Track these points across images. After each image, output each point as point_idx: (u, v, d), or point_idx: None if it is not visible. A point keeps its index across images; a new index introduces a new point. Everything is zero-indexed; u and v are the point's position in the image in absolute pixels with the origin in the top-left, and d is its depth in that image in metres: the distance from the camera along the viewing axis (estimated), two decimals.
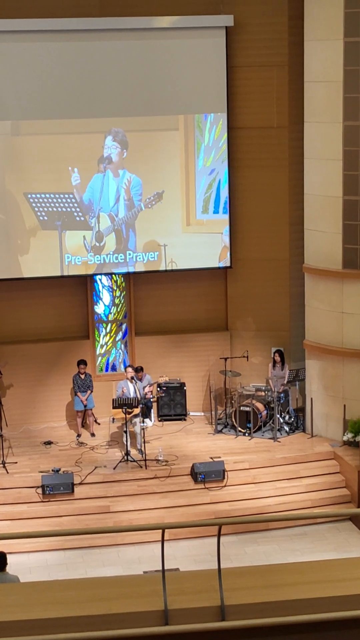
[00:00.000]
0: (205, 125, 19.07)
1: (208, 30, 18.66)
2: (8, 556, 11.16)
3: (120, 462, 17.55)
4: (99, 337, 20.08)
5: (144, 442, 17.81)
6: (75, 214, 18.87)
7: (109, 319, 20.09)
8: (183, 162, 19.15)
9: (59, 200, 18.78)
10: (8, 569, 11.10)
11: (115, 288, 20.04)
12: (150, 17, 18.48)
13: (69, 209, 18.83)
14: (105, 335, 20.12)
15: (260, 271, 19.72)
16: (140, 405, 18.06)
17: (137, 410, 17.91)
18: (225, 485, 17.13)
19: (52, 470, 17.10)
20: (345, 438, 18.07)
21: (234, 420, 18.91)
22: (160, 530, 8.48)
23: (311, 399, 18.75)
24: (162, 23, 18.54)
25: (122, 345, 20.18)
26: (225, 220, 19.46)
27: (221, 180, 19.31)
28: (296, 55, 18.46)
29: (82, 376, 18.98)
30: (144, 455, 17.62)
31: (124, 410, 17.64)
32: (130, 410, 17.74)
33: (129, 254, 19.18)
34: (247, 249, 19.65)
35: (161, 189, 19.04)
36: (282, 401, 19.00)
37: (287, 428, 18.95)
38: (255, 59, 18.89)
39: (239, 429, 18.81)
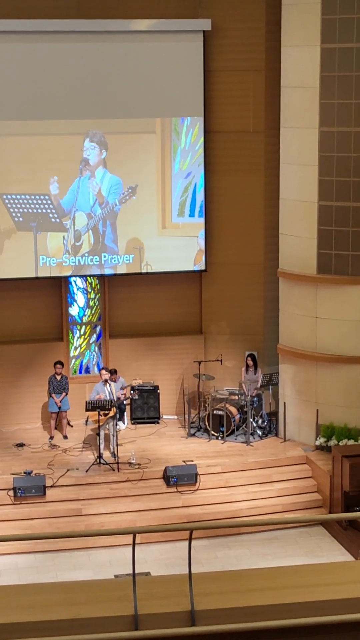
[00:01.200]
0: (182, 128, 19.08)
1: (186, 34, 18.67)
2: None
3: (92, 464, 17.51)
4: (73, 339, 20.02)
5: (117, 445, 17.77)
6: (51, 215, 18.82)
7: (83, 321, 20.05)
8: (159, 165, 19.14)
9: (35, 201, 18.72)
10: None
11: (90, 290, 20.00)
12: (129, 20, 18.47)
13: (44, 211, 18.77)
14: (80, 337, 20.07)
15: (235, 275, 19.74)
16: (114, 407, 18.01)
17: (112, 412, 17.88)
18: (197, 489, 17.13)
19: (24, 473, 17.03)
20: (317, 442, 18.11)
21: (207, 423, 18.91)
22: (132, 534, 8.46)
23: (284, 403, 18.78)
24: (140, 26, 18.53)
25: (96, 348, 20.14)
26: (201, 224, 19.47)
27: (197, 184, 19.32)
28: (273, 60, 18.50)
29: (58, 377, 18.92)
30: (116, 458, 17.58)
31: (99, 412, 17.60)
32: (105, 412, 17.70)
33: (104, 256, 19.15)
34: (222, 252, 19.67)
35: (135, 183, 19.00)
36: (255, 405, 19.03)
37: (260, 432, 18.97)
38: (233, 64, 18.92)
39: (212, 432, 18.81)
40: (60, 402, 18.87)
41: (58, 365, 18.94)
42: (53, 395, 18.89)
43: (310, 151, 17.73)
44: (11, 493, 16.64)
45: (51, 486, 16.86)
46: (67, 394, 18.94)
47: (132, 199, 19.06)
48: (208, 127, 19.15)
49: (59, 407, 18.88)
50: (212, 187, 19.45)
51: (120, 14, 18.51)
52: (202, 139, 19.12)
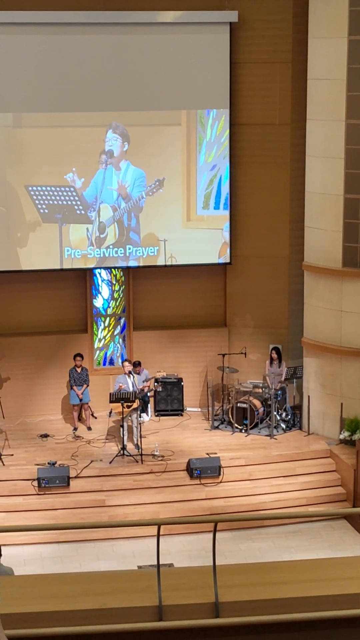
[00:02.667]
0: (208, 121, 19.05)
1: (212, 26, 18.63)
2: (2, 548, 11.16)
3: (116, 456, 17.55)
4: (97, 331, 20.07)
5: (141, 437, 17.81)
6: (76, 207, 18.85)
7: (108, 313, 20.08)
8: (185, 157, 19.13)
9: (60, 193, 18.76)
10: (2, 560, 11.10)
11: (114, 282, 20.03)
12: (155, 12, 18.45)
13: (69, 202, 18.81)
14: (104, 329, 20.11)
15: (260, 268, 19.71)
16: (138, 400, 18.05)
17: (135, 404, 17.91)
18: (221, 482, 17.13)
19: (48, 463, 17.10)
20: (341, 436, 18.07)
21: (230, 416, 18.91)
22: (156, 526, 8.48)
23: (308, 396, 18.75)
24: (166, 18, 18.51)
25: (120, 340, 20.18)
26: (226, 217, 19.45)
27: (222, 176, 19.29)
28: (300, 52, 18.42)
29: (79, 370, 18.97)
30: (140, 450, 17.61)
31: (122, 404, 17.64)
32: (129, 404, 17.75)
33: (129, 248, 19.16)
34: (247, 245, 19.65)
35: (162, 176, 19.00)
36: (279, 398, 19.01)
37: (283, 425, 18.95)
38: (259, 56, 18.86)
39: (236, 425, 18.81)
40: (82, 394, 18.91)
41: (78, 358, 18.99)
42: (74, 387, 18.94)
43: (337, 144, 17.66)
44: (35, 483, 16.72)
45: (75, 477, 16.92)
46: (88, 385, 18.99)
47: (159, 192, 19.06)
48: (234, 120, 19.11)
49: (81, 399, 18.93)
50: (238, 180, 19.42)
51: (147, 5, 18.49)
52: (228, 131, 19.08)
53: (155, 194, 19.06)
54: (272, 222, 19.47)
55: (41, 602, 7.89)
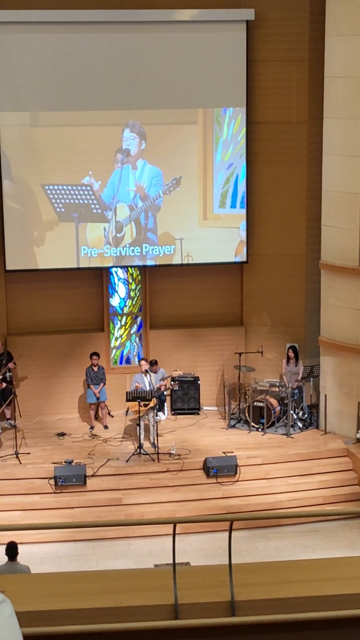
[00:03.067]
0: (224, 119, 19.02)
1: (229, 24, 18.60)
2: (19, 546, 11.19)
3: (133, 454, 17.56)
4: (114, 330, 20.08)
5: (157, 436, 17.81)
6: (92, 206, 18.87)
7: (124, 311, 20.09)
8: (201, 155, 19.11)
9: (76, 192, 18.78)
10: (19, 559, 11.14)
11: (131, 281, 20.04)
12: (171, 10, 18.44)
13: (86, 201, 18.83)
14: (120, 328, 20.12)
15: (277, 267, 19.68)
16: (155, 398, 18.05)
17: (152, 403, 17.91)
18: (237, 480, 17.11)
19: (65, 462, 17.12)
20: (358, 435, 18.02)
21: (247, 415, 18.88)
22: (172, 524, 8.48)
23: (325, 395, 18.70)
24: (182, 16, 18.50)
25: (137, 339, 20.18)
26: (242, 215, 19.42)
27: (239, 175, 19.26)
28: (317, 50, 18.38)
29: (95, 368, 18.98)
30: (156, 448, 17.62)
31: (139, 402, 17.65)
32: (146, 402, 17.75)
33: (145, 247, 19.16)
34: (264, 244, 19.62)
35: (179, 174, 19.00)
36: (296, 397, 18.97)
37: (300, 424, 18.91)
38: (276, 54, 18.82)
39: (252, 424, 18.78)
40: (99, 392, 18.93)
41: (94, 357, 19.01)
42: (91, 386, 18.96)
43: (354, 142, 17.61)
44: (52, 482, 16.74)
45: (92, 475, 16.94)
46: (104, 384, 19.00)
47: (176, 190, 19.05)
48: (250, 118, 19.07)
49: (97, 398, 18.95)
50: (254, 178, 19.39)
51: (163, 3, 18.48)
52: (245, 129, 19.05)
53: (173, 192, 19.05)
54: (289, 221, 19.44)
55: (57, 600, 7.90)
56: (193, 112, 18.91)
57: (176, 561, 8.18)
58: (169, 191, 19.03)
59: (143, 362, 18.50)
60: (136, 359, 19.90)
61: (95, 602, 7.86)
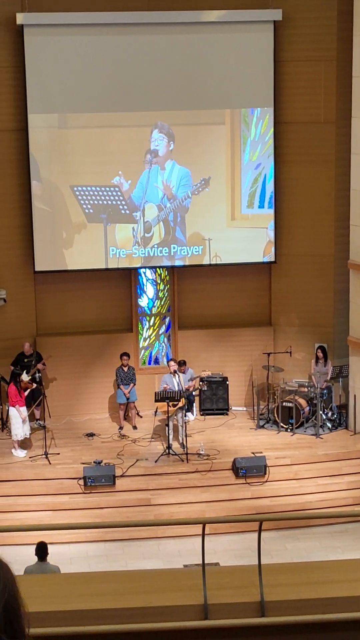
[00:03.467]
0: (252, 119, 19.01)
1: (256, 25, 18.58)
2: (49, 546, 11.24)
3: (161, 455, 17.58)
4: (142, 330, 20.12)
5: (186, 436, 17.82)
6: (121, 206, 18.91)
7: (153, 312, 20.12)
8: (229, 156, 19.11)
9: (105, 193, 18.83)
10: (49, 559, 11.19)
11: (159, 281, 20.06)
12: (199, 11, 18.44)
13: (114, 202, 18.88)
14: (149, 328, 20.16)
15: (305, 267, 19.63)
16: (183, 399, 18.07)
17: (181, 403, 17.93)
18: (266, 481, 17.10)
19: (94, 462, 17.18)
20: None
21: (276, 415, 18.85)
22: (201, 525, 8.49)
23: (354, 395, 18.63)
24: (210, 17, 18.50)
25: (165, 339, 20.21)
26: (271, 215, 19.39)
27: (267, 175, 19.24)
28: (344, 50, 18.33)
29: (125, 369, 19.02)
30: (185, 449, 17.63)
31: (168, 403, 17.67)
32: (174, 403, 17.77)
33: (174, 248, 19.19)
34: (292, 244, 19.58)
35: (207, 175, 19.01)
36: (324, 397, 18.92)
37: (329, 424, 18.86)
38: (303, 54, 18.79)
39: (281, 424, 18.75)
40: (129, 393, 18.97)
41: (124, 357, 19.04)
42: (121, 386, 19.00)
43: None
44: (81, 482, 16.80)
45: (121, 476, 16.98)
46: (134, 384, 19.04)
47: (205, 191, 19.06)
48: (278, 118, 19.05)
49: (127, 398, 18.99)
50: (282, 178, 19.36)
51: (191, 5, 18.49)
52: (272, 129, 19.03)
53: (201, 193, 19.06)
54: (317, 221, 19.39)
55: (87, 600, 7.93)
56: (221, 112, 18.91)
57: (205, 562, 8.18)
58: (198, 192, 19.04)
59: (172, 363, 18.52)
60: (165, 360, 19.92)
61: (125, 602, 7.89)
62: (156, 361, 20.20)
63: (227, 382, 19.68)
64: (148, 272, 19.92)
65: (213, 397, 19.66)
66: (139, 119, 18.71)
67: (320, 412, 18.68)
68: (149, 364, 20.18)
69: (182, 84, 18.65)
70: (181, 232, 19.18)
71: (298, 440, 18.37)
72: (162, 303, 20.13)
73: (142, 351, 20.15)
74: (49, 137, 18.55)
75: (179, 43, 18.49)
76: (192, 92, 18.70)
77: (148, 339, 20.18)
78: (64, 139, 18.61)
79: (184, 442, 17.75)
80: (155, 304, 20.12)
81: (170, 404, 17.75)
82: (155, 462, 17.41)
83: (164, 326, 20.19)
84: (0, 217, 18.70)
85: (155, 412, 18.84)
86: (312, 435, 18.53)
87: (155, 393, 18.06)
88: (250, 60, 18.69)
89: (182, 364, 18.95)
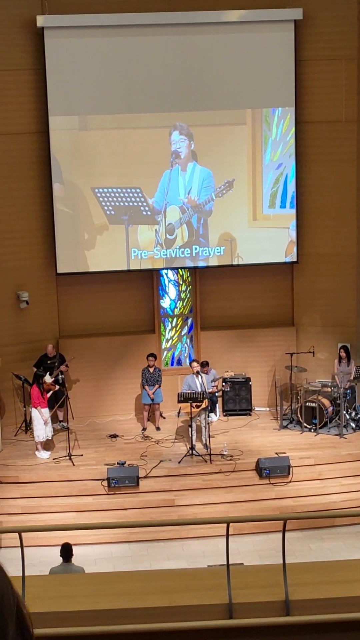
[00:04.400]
0: (273, 119, 18.98)
1: (276, 24, 18.56)
2: (73, 547, 11.26)
3: (185, 456, 17.58)
4: (165, 332, 20.13)
5: (209, 437, 17.81)
6: (142, 208, 18.93)
7: (175, 313, 20.13)
8: (250, 156, 19.09)
9: (126, 194, 18.85)
10: (73, 560, 11.20)
11: (181, 282, 20.07)
12: (219, 11, 18.44)
13: (135, 204, 18.90)
14: (171, 329, 20.16)
15: (327, 266, 19.58)
16: (206, 399, 18.05)
17: (204, 404, 17.91)
18: (290, 481, 17.06)
19: (118, 463, 17.19)
20: None
21: (299, 416, 18.81)
22: (225, 525, 8.48)
23: None
24: (230, 17, 18.49)
25: (188, 340, 20.21)
26: (292, 215, 19.35)
27: (288, 175, 19.21)
28: None
29: (151, 370, 19.02)
30: (209, 449, 17.62)
31: (191, 403, 17.66)
32: (197, 404, 17.76)
33: (195, 249, 19.18)
34: (314, 244, 19.54)
35: (232, 177, 19.00)
36: (348, 397, 18.85)
37: (353, 424, 18.80)
38: (324, 53, 18.75)
39: (305, 424, 18.71)
40: (154, 394, 18.97)
41: (150, 358, 19.05)
42: (146, 387, 19.01)
43: None
44: (105, 483, 16.82)
45: (144, 477, 16.98)
46: (160, 386, 19.04)
47: (229, 193, 19.05)
48: (299, 118, 19.01)
49: (152, 399, 19.00)
50: (304, 178, 19.32)
51: (210, 5, 18.49)
52: (294, 129, 18.99)
53: (225, 195, 19.05)
54: (339, 220, 19.34)
55: (112, 600, 7.93)
56: (242, 112, 18.90)
57: (230, 561, 8.17)
58: (222, 194, 19.02)
59: (195, 364, 18.51)
60: (187, 361, 19.92)
61: (150, 602, 7.89)
62: (179, 362, 20.21)
63: (250, 383, 19.67)
64: (170, 273, 19.92)
65: (236, 398, 19.65)
66: (159, 120, 18.72)
67: (344, 412, 18.62)
68: (172, 365, 20.19)
69: (203, 84, 18.64)
70: (204, 234, 19.17)
71: (321, 440, 18.32)
72: (184, 304, 20.13)
73: (165, 352, 20.16)
74: (70, 139, 18.60)
75: (199, 43, 18.49)
76: (213, 93, 18.70)
77: (170, 340, 20.19)
78: (84, 140, 18.65)
79: (207, 443, 17.74)
80: (177, 305, 20.12)
81: (194, 404, 17.74)
82: (179, 463, 17.41)
83: (186, 327, 20.19)
84: (22, 219, 18.75)
85: (179, 413, 18.82)
86: (336, 435, 18.47)
87: (178, 394, 18.06)
88: (271, 60, 18.67)
89: (204, 364, 18.94)
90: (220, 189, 19.00)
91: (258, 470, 17.17)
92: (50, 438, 17.95)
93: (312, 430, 18.62)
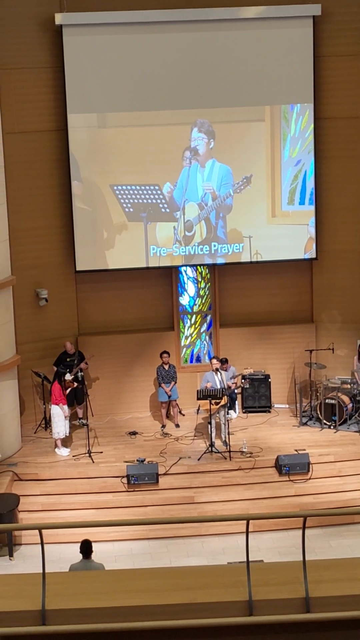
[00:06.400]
0: (292, 115, 18.94)
1: (295, 20, 18.51)
2: (93, 544, 11.27)
3: (204, 453, 17.58)
4: (184, 329, 20.13)
5: (229, 434, 17.81)
6: (161, 205, 18.93)
7: (194, 310, 20.13)
8: (269, 153, 19.05)
9: (145, 192, 18.86)
10: (93, 557, 11.22)
11: (200, 279, 20.06)
12: (237, 8, 18.40)
13: (154, 201, 18.90)
14: (190, 326, 20.16)
15: (347, 263, 19.53)
16: (226, 396, 18.05)
17: (223, 401, 17.90)
18: (310, 478, 17.03)
19: (137, 461, 17.21)
20: None
21: (319, 412, 18.78)
22: (245, 522, 8.46)
23: None
24: (248, 13, 18.45)
25: (207, 337, 20.20)
26: (311, 212, 19.30)
27: (307, 171, 19.16)
28: None
29: (166, 367, 19.04)
30: (228, 446, 17.61)
31: (210, 400, 17.66)
32: (217, 401, 17.76)
33: (214, 246, 19.17)
34: (333, 240, 19.48)
35: (247, 172, 18.97)
36: None
37: None
38: (343, 48, 18.68)
39: (324, 421, 18.67)
40: (170, 391, 18.98)
41: (165, 355, 19.06)
42: (162, 384, 19.01)
43: None
44: (125, 480, 16.84)
45: (164, 474, 16.99)
46: (175, 382, 19.04)
47: (247, 189, 19.02)
48: (318, 114, 18.95)
49: (169, 396, 19.00)
50: (323, 174, 19.27)
51: (229, 2, 18.44)
52: (312, 125, 18.94)
53: (243, 190, 19.02)
54: (358, 216, 19.27)
55: (132, 597, 7.93)
56: (260, 109, 18.86)
57: (249, 559, 8.16)
58: (240, 190, 19.00)
59: (214, 361, 18.50)
60: (206, 358, 19.91)
61: (170, 599, 7.88)
62: (198, 359, 20.21)
63: (269, 380, 19.64)
64: (189, 270, 19.92)
65: (255, 395, 19.63)
66: (178, 117, 18.71)
67: None
68: (191, 362, 20.19)
69: (221, 81, 18.62)
70: (222, 230, 19.16)
71: (341, 437, 18.28)
72: (203, 301, 20.13)
73: (184, 349, 20.16)
74: (89, 136, 18.62)
75: (217, 40, 18.46)
76: (232, 89, 18.67)
77: (189, 337, 20.19)
78: (103, 138, 18.67)
79: (227, 440, 17.74)
80: (196, 302, 20.12)
81: (213, 402, 17.74)
82: (198, 460, 17.41)
83: (205, 324, 20.18)
84: (41, 217, 18.79)
85: (198, 410, 18.83)
86: (356, 432, 18.43)
87: (198, 391, 18.06)
88: (290, 56, 18.61)
89: (224, 361, 18.93)
90: (239, 185, 18.97)
91: (278, 467, 17.16)
92: (68, 434, 18.00)
93: (332, 427, 18.58)
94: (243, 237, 19.22)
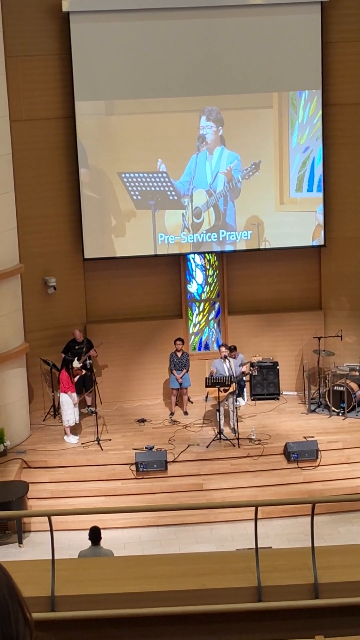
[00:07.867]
0: (300, 102, 18.88)
1: (303, 6, 18.43)
2: (102, 531, 11.30)
3: (213, 440, 17.59)
4: (192, 316, 20.12)
5: (237, 421, 17.82)
6: (169, 192, 18.91)
7: (202, 297, 20.12)
8: (277, 139, 19.00)
9: (152, 179, 18.84)
10: (102, 543, 11.25)
11: (208, 267, 20.04)
12: None
13: (162, 188, 18.88)
14: (199, 314, 20.16)
15: (355, 250, 19.49)
16: (234, 384, 18.05)
17: (232, 389, 17.91)
18: (318, 465, 17.04)
19: (146, 448, 17.23)
20: None
21: (327, 399, 18.77)
22: (254, 508, 8.49)
23: None
24: (256, 0, 18.37)
25: (215, 324, 20.20)
26: (320, 199, 19.26)
27: (315, 158, 19.10)
28: None
29: (179, 354, 19.03)
30: (237, 434, 17.62)
31: (219, 388, 17.67)
32: (225, 388, 17.76)
33: (222, 233, 19.15)
34: (342, 227, 19.44)
35: (256, 159, 18.93)
36: None
37: None
38: (351, 35, 18.61)
39: (333, 408, 18.67)
40: (181, 378, 18.99)
41: (178, 342, 19.06)
42: (174, 372, 19.02)
43: None
44: (133, 468, 16.87)
45: (172, 461, 17.02)
46: (187, 370, 19.05)
47: (255, 175, 18.98)
48: (326, 100, 18.89)
49: (180, 384, 19.01)
50: (331, 161, 19.22)
51: None
52: (320, 112, 18.88)
53: (252, 177, 18.98)
54: None
55: (141, 583, 7.97)
56: (268, 95, 18.81)
57: (258, 545, 8.18)
58: (248, 176, 18.96)
59: (223, 348, 18.50)
60: (215, 345, 19.91)
61: (180, 585, 7.91)
62: (206, 347, 20.21)
63: (278, 367, 19.63)
64: (197, 257, 19.90)
65: (264, 382, 19.63)
66: (186, 104, 18.67)
67: None
68: (199, 349, 20.20)
69: (229, 67, 18.56)
70: (231, 218, 19.13)
71: (350, 424, 18.28)
72: (211, 289, 20.12)
73: (192, 337, 20.16)
74: (96, 124, 18.59)
75: (225, 26, 18.39)
76: (239, 76, 18.61)
77: (198, 325, 20.18)
78: (111, 125, 18.64)
79: (235, 427, 17.75)
80: (204, 290, 20.11)
81: (221, 389, 17.75)
82: (207, 447, 17.43)
83: (213, 312, 20.18)
84: (49, 205, 18.78)
85: (206, 397, 18.83)
86: None
87: (206, 378, 18.06)
88: (298, 42, 18.54)
89: (232, 349, 18.93)
90: (247, 171, 18.93)
91: (286, 454, 17.17)
92: (77, 422, 18.03)
93: (340, 414, 18.58)
94: (251, 224, 19.19)
